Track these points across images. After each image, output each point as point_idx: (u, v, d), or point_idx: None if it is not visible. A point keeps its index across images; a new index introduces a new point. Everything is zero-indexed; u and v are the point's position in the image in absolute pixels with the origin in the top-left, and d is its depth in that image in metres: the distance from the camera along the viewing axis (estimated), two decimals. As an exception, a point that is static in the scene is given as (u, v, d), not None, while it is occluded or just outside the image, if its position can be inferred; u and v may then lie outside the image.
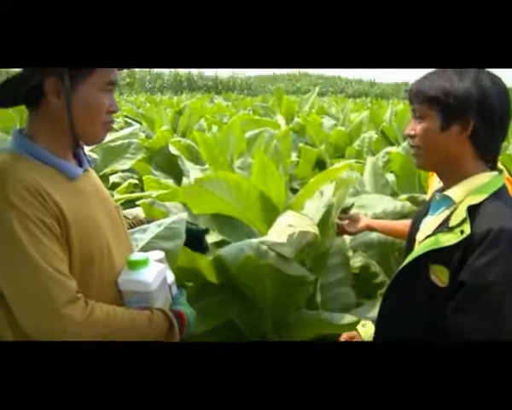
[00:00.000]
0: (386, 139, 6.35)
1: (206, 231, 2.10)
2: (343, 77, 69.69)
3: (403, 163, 4.35)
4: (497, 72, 1.46)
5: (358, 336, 1.94)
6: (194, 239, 2.07)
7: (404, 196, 3.50)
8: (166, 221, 2.10)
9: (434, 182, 2.26)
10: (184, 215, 2.18)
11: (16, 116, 5.60)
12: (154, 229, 2.07)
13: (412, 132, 1.49)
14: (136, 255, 1.44)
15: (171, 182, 4.43)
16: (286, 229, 2.26)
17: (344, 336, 1.94)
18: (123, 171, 5.26)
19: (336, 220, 2.48)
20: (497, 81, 1.43)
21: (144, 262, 1.42)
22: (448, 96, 1.41)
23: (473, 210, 1.37)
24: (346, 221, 2.43)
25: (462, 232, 1.34)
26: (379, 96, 43.31)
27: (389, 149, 5.23)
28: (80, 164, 1.44)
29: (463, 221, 1.36)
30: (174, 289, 1.56)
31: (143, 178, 4.29)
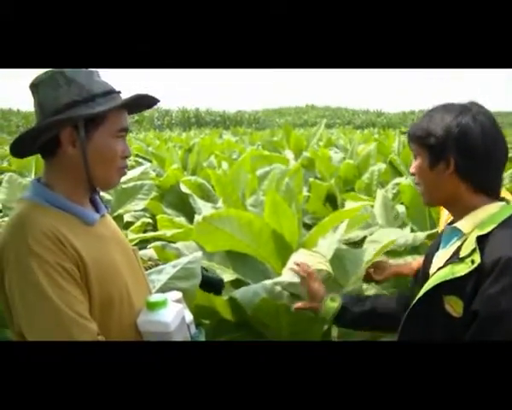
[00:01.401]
0: (395, 170, 6.38)
1: (222, 283, 2.14)
2: (349, 108, 70.06)
3: (412, 195, 4.37)
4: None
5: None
6: (211, 286, 2.11)
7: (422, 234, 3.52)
8: (182, 261, 2.13)
9: (445, 214, 2.30)
10: (199, 254, 2.21)
11: (32, 159, 5.68)
12: (169, 270, 2.12)
13: (413, 170, 1.56)
14: (155, 297, 1.48)
15: (183, 220, 4.47)
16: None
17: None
18: (136, 210, 5.32)
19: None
20: (479, 117, 1.46)
21: (163, 303, 1.45)
22: (429, 135, 1.48)
23: (482, 240, 1.41)
24: (373, 269, 2.42)
25: (472, 262, 1.39)
26: (386, 125, 43.39)
27: (398, 180, 5.26)
28: (97, 209, 1.49)
29: (473, 251, 1.40)
30: (193, 329, 1.58)
31: (157, 217, 4.34)
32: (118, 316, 1.40)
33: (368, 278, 2.46)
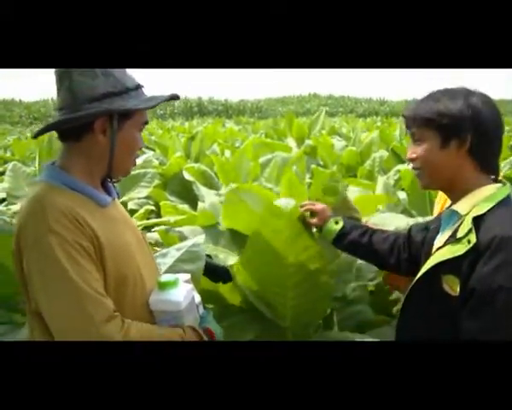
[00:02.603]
0: (397, 157, 6.40)
1: (229, 272, 2.20)
2: (352, 96, 69.73)
3: (413, 180, 4.40)
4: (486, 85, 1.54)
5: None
6: (219, 275, 2.18)
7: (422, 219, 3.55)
8: (186, 244, 2.17)
9: (441, 200, 2.33)
10: (202, 237, 2.25)
11: (35, 148, 5.72)
12: (174, 253, 2.16)
13: (414, 155, 1.58)
14: (166, 276, 1.52)
15: (186, 207, 4.51)
16: None
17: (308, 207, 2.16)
18: (139, 198, 5.36)
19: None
20: (486, 99, 1.52)
21: (174, 283, 1.49)
22: (443, 116, 1.51)
23: (478, 220, 1.45)
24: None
25: (469, 242, 1.42)
26: (389, 114, 43.24)
27: (399, 166, 5.29)
28: (108, 193, 1.53)
29: (469, 231, 1.44)
30: (201, 309, 1.63)
31: (160, 204, 4.38)
32: (131, 296, 1.44)
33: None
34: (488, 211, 1.46)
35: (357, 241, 2.04)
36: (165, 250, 2.21)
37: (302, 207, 2.21)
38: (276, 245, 2.20)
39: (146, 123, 1.52)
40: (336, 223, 2.09)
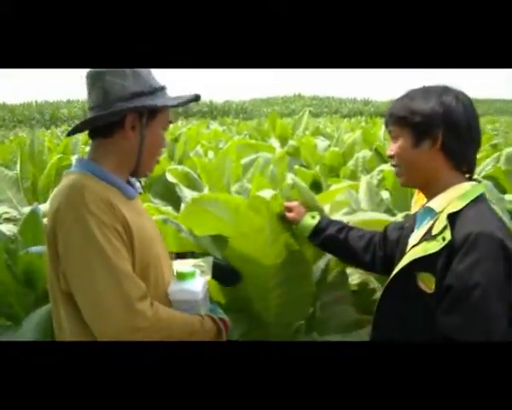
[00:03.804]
0: (381, 157, 6.41)
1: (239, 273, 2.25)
2: (336, 97, 69.88)
3: (396, 180, 4.40)
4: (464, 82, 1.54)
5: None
6: (225, 273, 2.23)
7: (400, 214, 3.55)
8: (196, 260, 2.16)
9: (419, 200, 2.34)
10: (211, 258, 2.22)
11: (16, 151, 5.67)
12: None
13: (391, 153, 1.59)
14: (185, 268, 1.64)
15: (170, 209, 4.48)
16: None
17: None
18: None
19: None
20: (460, 97, 1.53)
21: (192, 274, 1.62)
22: (414, 114, 1.52)
23: (453, 217, 1.46)
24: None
25: (443, 239, 1.43)
26: (373, 114, 43.41)
27: (383, 166, 5.30)
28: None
29: (444, 228, 1.45)
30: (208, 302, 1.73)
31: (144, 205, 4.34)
32: (153, 284, 1.53)
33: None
34: (463, 208, 1.47)
35: (334, 237, 2.05)
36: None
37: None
38: (257, 245, 2.19)
39: (170, 122, 1.64)
40: (312, 218, 2.10)
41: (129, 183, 1.63)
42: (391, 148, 1.62)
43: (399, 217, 3.42)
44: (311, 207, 2.24)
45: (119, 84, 1.50)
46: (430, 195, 1.59)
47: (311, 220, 2.11)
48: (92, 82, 1.53)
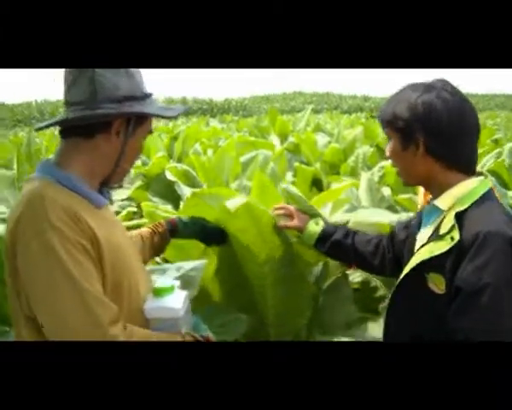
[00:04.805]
0: (382, 153, 6.38)
1: (224, 232, 2.18)
2: (336, 93, 69.88)
3: (397, 176, 4.37)
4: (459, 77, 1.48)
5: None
6: (211, 233, 2.15)
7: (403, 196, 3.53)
8: (186, 266, 2.09)
9: (421, 192, 2.30)
10: (203, 262, 2.17)
11: (13, 151, 5.63)
12: (172, 273, 2.08)
13: (387, 154, 1.56)
14: (162, 282, 1.48)
15: (169, 208, 4.45)
16: None
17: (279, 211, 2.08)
18: (122, 200, 5.29)
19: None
20: (442, 94, 1.45)
21: (171, 289, 1.47)
22: (397, 119, 1.48)
23: (461, 216, 1.41)
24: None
25: (452, 239, 1.38)
26: (373, 110, 43.42)
27: (384, 163, 5.26)
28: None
29: (452, 228, 1.40)
30: (191, 316, 1.59)
31: (142, 204, 4.32)
32: (127, 301, 1.40)
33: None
34: (470, 206, 1.41)
35: (340, 242, 1.98)
36: (165, 266, 2.14)
37: (277, 209, 2.15)
38: (246, 243, 2.17)
39: (151, 132, 1.51)
40: (316, 224, 2.03)
41: (99, 190, 1.49)
42: (387, 149, 1.58)
43: (403, 214, 3.37)
44: (309, 214, 2.18)
45: (111, 82, 1.37)
46: (434, 193, 1.55)
47: (315, 227, 2.04)
48: (78, 74, 1.37)
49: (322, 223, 2.05)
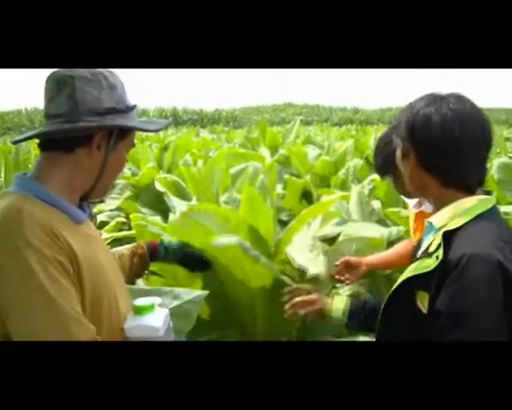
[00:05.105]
0: (372, 166, 6.39)
1: (206, 258, 2.16)
2: (327, 106, 70.18)
3: (387, 189, 4.38)
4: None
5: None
6: (193, 259, 2.12)
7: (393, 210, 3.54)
8: (184, 296, 1.98)
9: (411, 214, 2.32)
10: (202, 294, 2.05)
11: (1, 156, 5.59)
12: (168, 302, 1.93)
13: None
14: (142, 300, 1.43)
15: (158, 219, 4.42)
16: None
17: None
18: (111, 210, 5.26)
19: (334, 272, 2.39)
20: (443, 111, 1.40)
21: (151, 307, 1.41)
22: (399, 125, 1.47)
23: (451, 235, 1.36)
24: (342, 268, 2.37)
25: (437, 258, 1.34)
26: (363, 122, 43.66)
27: (374, 176, 5.26)
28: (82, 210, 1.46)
29: (439, 247, 1.36)
30: (173, 335, 1.54)
31: (130, 215, 4.28)
32: (107, 319, 1.37)
33: (339, 280, 2.40)
34: (464, 225, 1.36)
35: (374, 307, 1.75)
36: (163, 289, 2.03)
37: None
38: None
39: (133, 146, 1.48)
40: (341, 301, 1.84)
41: (79, 205, 1.45)
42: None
43: (393, 228, 3.37)
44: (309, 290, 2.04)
45: (92, 95, 1.35)
46: (434, 207, 1.52)
47: (342, 305, 1.81)
48: (58, 87, 1.35)
49: (345, 298, 1.85)
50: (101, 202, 1.53)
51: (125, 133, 1.41)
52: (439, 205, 1.47)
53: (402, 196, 2.35)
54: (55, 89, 1.36)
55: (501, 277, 1.25)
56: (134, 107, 1.45)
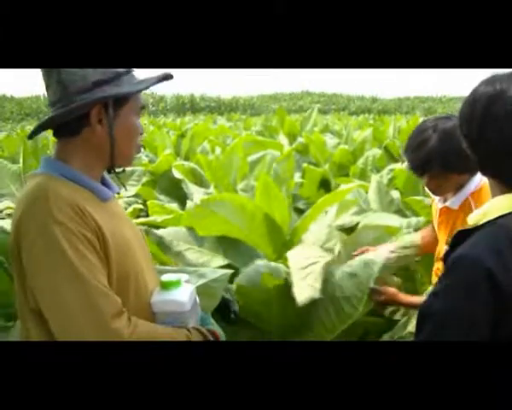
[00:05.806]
0: (390, 155, 6.34)
1: (234, 303, 2.07)
2: (344, 94, 69.68)
3: (406, 180, 4.34)
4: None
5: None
6: (226, 310, 2.05)
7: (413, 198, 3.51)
8: (209, 275, 1.99)
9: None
10: (227, 273, 2.07)
11: (20, 142, 5.63)
12: (194, 280, 1.92)
13: None
14: (168, 276, 1.47)
15: (175, 206, 4.43)
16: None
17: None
18: (128, 196, 5.27)
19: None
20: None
21: (177, 283, 1.45)
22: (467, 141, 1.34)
23: (464, 236, 1.26)
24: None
25: None
26: (381, 111, 43.32)
27: (393, 166, 5.21)
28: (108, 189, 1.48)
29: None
30: (199, 311, 1.57)
31: (148, 203, 4.29)
32: (133, 294, 1.40)
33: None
34: (479, 227, 1.25)
35: None
36: (187, 269, 2.06)
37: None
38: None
39: (143, 107, 1.48)
40: None
41: (104, 183, 1.48)
42: None
43: (412, 219, 3.34)
44: None
45: (77, 74, 1.35)
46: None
47: None
48: (48, 76, 1.38)
49: None
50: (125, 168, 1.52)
51: (121, 100, 1.40)
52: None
53: (429, 192, 2.26)
54: (46, 77, 1.39)
55: (486, 283, 1.14)
56: (128, 71, 1.43)
